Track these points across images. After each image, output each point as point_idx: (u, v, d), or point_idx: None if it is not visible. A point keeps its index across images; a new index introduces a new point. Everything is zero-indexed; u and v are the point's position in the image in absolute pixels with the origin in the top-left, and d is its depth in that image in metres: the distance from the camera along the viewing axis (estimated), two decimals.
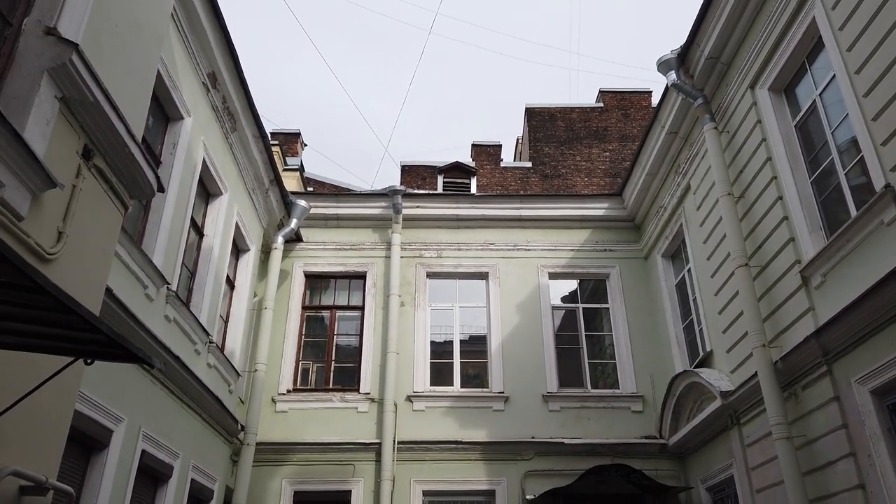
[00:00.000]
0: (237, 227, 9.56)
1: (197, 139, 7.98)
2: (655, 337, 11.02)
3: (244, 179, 9.82)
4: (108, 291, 5.55)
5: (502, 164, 17.65)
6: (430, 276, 11.75)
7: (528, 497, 9.70)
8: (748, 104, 8.01)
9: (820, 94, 7.00)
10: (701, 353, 9.44)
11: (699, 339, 9.66)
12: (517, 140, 20.65)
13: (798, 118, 7.42)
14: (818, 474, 6.56)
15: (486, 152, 17.89)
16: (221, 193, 8.94)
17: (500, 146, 18.01)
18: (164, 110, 7.39)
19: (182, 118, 7.57)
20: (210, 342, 8.32)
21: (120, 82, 4.47)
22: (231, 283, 9.85)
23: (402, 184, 17.08)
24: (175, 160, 7.41)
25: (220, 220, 8.86)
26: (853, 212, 6.27)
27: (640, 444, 10.17)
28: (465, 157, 18.03)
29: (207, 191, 8.80)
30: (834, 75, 6.59)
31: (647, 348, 10.95)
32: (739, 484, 8.22)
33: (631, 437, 10.27)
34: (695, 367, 9.40)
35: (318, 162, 50.56)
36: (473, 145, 18.01)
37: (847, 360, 6.21)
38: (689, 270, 10.12)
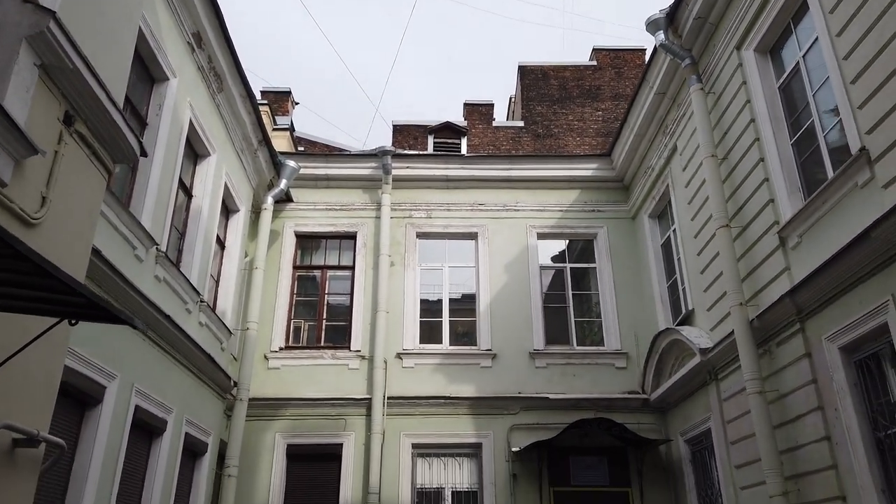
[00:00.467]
0: (226, 187, 9.63)
1: (183, 100, 7.99)
2: (640, 296, 11.23)
3: (232, 140, 9.84)
4: (97, 253, 5.68)
5: (494, 124, 17.61)
6: (420, 236, 11.88)
7: (513, 449, 10.03)
8: (734, 65, 8.03)
9: (803, 56, 7.03)
10: (683, 312, 9.66)
11: (682, 298, 9.86)
12: (510, 99, 20.54)
13: (782, 80, 7.46)
14: (788, 427, 6.83)
15: (479, 111, 17.82)
16: (209, 154, 8.98)
17: (492, 105, 17.93)
18: (148, 71, 7.39)
19: (167, 79, 7.57)
20: (201, 301, 8.49)
21: (100, 47, 4.50)
22: (221, 244, 9.97)
23: (393, 143, 17.10)
24: (161, 121, 7.44)
25: (209, 180, 8.93)
26: (831, 174, 6.37)
27: (622, 398, 10.48)
28: (459, 116, 17.96)
29: (195, 152, 8.84)
30: (817, 37, 6.62)
31: (632, 307, 11.17)
32: (716, 436, 8.53)
33: (614, 393, 10.56)
34: (677, 325, 9.63)
35: (310, 121, 50.01)
36: (465, 104, 17.92)
37: (819, 318, 6.41)
38: (674, 230, 10.25)
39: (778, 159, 7.22)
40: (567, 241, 12.18)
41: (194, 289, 8.23)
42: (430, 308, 11.59)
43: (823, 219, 6.35)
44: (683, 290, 9.80)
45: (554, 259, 12.23)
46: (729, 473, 8.11)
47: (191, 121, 8.25)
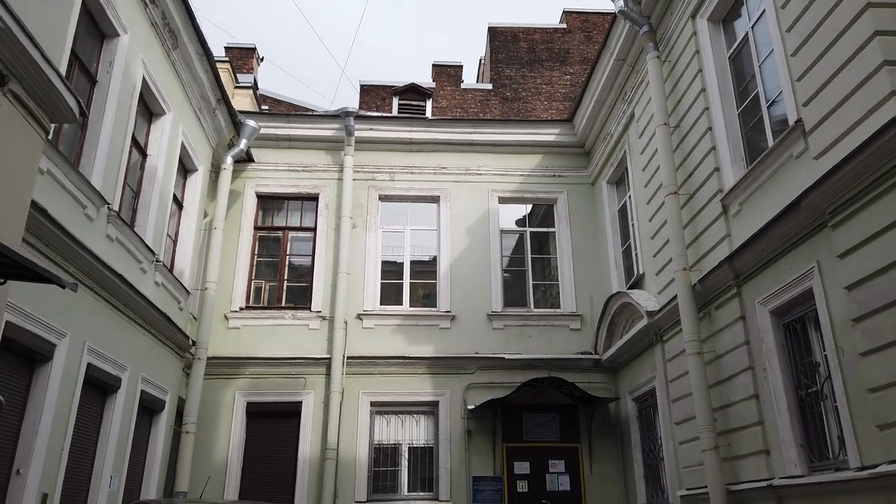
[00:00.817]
0: (183, 146, 9.53)
1: (135, 57, 7.86)
2: (597, 260, 11.48)
3: (189, 98, 9.71)
4: (44, 213, 5.68)
5: (463, 86, 17.51)
6: (383, 198, 11.94)
7: (469, 407, 10.34)
8: (689, 34, 8.12)
9: (752, 27, 7.15)
10: (635, 275, 9.93)
11: (635, 263, 10.13)
12: (479, 61, 20.40)
13: (732, 50, 7.59)
14: (722, 386, 7.18)
15: (447, 73, 17.69)
16: (165, 113, 8.88)
17: (461, 66, 17.80)
18: (98, 27, 7.25)
19: (118, 35, 7.44)
20: (157, 261, 8.49)
21: (36, 4, 4.44)
22: (179, 204, 9.92)
23: (361, 103, 16.97)
24: (112, 79, 7.34)
25: (164, 139, 8.84)
26: (772, 144, 6.57)
27: (575, 359, 10.80)
28: (428, 77, 17.81)
29: (150, 110, 8.73)
30: (764, 9, 6.73)
31: (588, 270, 11.43)
32: (660, 395, 8.90)
33: (568, 353, 10.88)
34: (628, 289, 9.91)
35: (279, 79, 48.95)
36: (434, 65, 17.77)
37: (753, 283, 6.70)
38: (629, 197, 10.45)
39: (724, 129, 7.40)
40: (530, 206, 12.35)
41: (149, 248, 8.23)
42: (391, 270, 11.73)
43: (762, 188, 6.58)
44: (636, 254, 10.06)
45: (518, 223, 12.40)
46: (670, 429, 8.50)
47: (144, 78, 8.13)
